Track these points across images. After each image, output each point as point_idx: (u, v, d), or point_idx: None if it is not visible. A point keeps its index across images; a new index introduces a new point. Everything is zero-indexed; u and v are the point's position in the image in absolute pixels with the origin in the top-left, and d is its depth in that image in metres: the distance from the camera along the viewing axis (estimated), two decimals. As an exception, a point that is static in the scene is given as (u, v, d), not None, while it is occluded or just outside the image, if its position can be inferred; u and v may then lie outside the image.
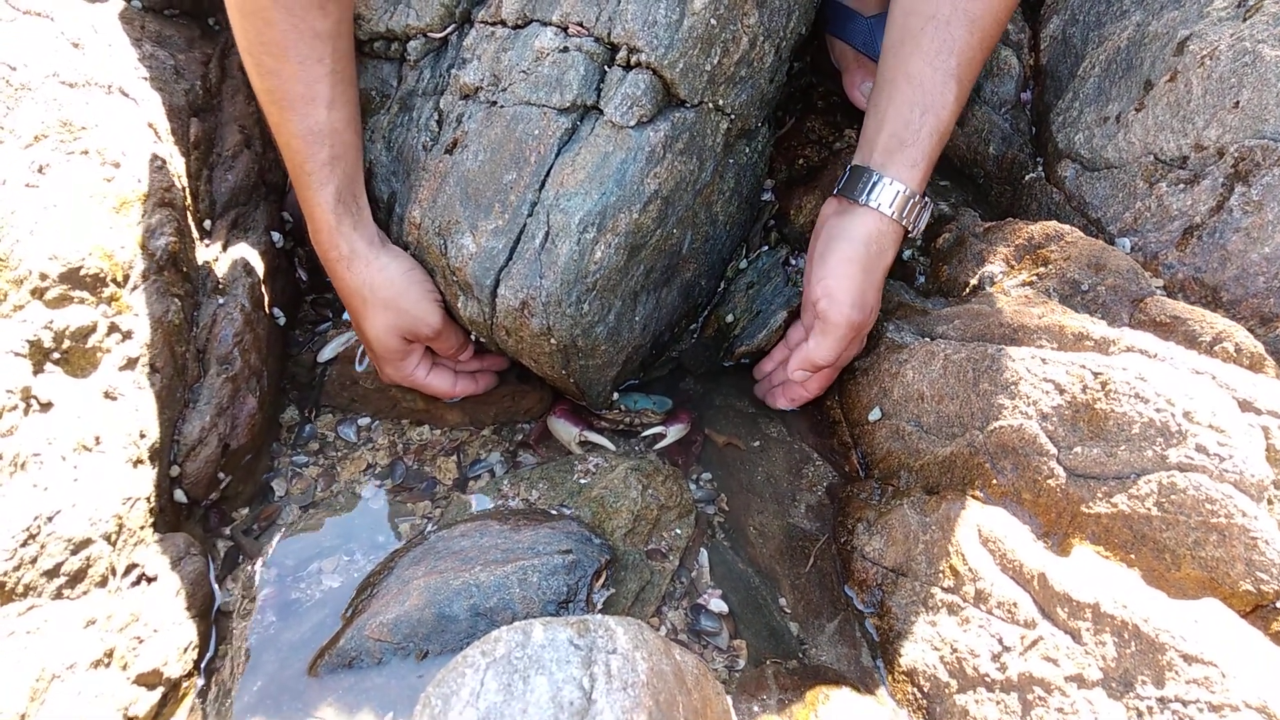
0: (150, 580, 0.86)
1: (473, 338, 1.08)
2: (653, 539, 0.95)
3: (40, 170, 0.92)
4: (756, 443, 1.08)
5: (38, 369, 0.85)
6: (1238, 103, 0.89)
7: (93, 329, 0.91)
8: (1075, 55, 1.11)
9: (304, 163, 0.95)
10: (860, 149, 1.01)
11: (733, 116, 1.05)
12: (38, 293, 0.86)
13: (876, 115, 0.99)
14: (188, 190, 1.08)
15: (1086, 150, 1.04)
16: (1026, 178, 1.12)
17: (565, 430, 1.10)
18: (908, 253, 1.14)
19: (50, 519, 0.75)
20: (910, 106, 0.96)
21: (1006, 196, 1.15)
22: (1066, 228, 1.00)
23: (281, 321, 1.17)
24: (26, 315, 0.85)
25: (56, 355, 0.87)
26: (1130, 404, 0.80)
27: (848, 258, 0.97)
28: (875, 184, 0.96)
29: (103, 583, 0.80)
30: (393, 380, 1.09)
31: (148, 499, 0.87)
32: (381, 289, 1.00)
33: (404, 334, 1.03)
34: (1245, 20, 0.89)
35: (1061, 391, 0.85)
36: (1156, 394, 0.79)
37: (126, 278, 0.96)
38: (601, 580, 0.89)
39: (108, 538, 0.81)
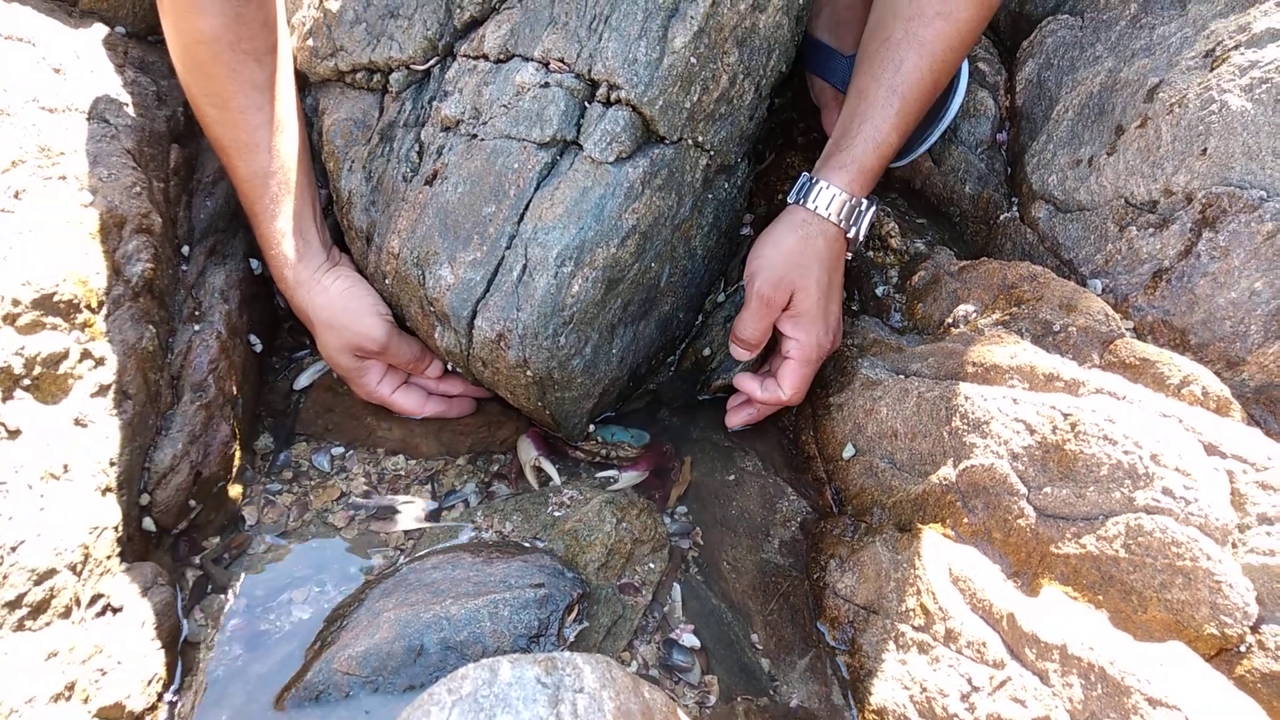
0: (116, 611, 0.85)
1: (448, 366, 1.08)
2: (626, 573, 0.95)
3: (16, 195, 0.91)
4: (732, 476, 1.08)
5: (7, 395, 0.84)
6: (1205, 150, 0.90)
7: (65, 355, 0.90)
8: (1049, 99, 1.13)
9: (253, 203, 1.04)
10: None
11: (712, 153, 1.06)
12: (9, 319, 0.86)
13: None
14: (166, 216, 1.07)
15: (1060, 192, 1.06)
16: (1001, 217, 1.13)
17: (526, 451, 1.11)
18: (882, 289, 1.15)
19: (14, 549, 0.74)
20: (852, 117, 1.02)
21: (982, 235, 1.16)
22: (1039, 269, 1.01)
23: (258, 349, 1.16)
24: (-3, 341, 0.84)
25: (27, 381, 0.86)
26: (1099, 445, 0.81)
27: (772, 240, 1.03)
28: (806, 187, 1.03)
29: (66, 614, 0.79)
30: (363, 398, 1.12)
31: (115, 528, 0.86)
32: (323, 309, 1.06)
33: (353, 350, 1.07)
34: (1212, 70, 0.91)
35: (1032, 432, 0.86)
36: (1125, 436, 0.80)
37: (101, 303, 0.95)
38: (573, 615, 0.89)
39: (73, 568, 0.80)
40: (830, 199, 1.01)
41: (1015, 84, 1.19)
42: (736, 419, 1.11)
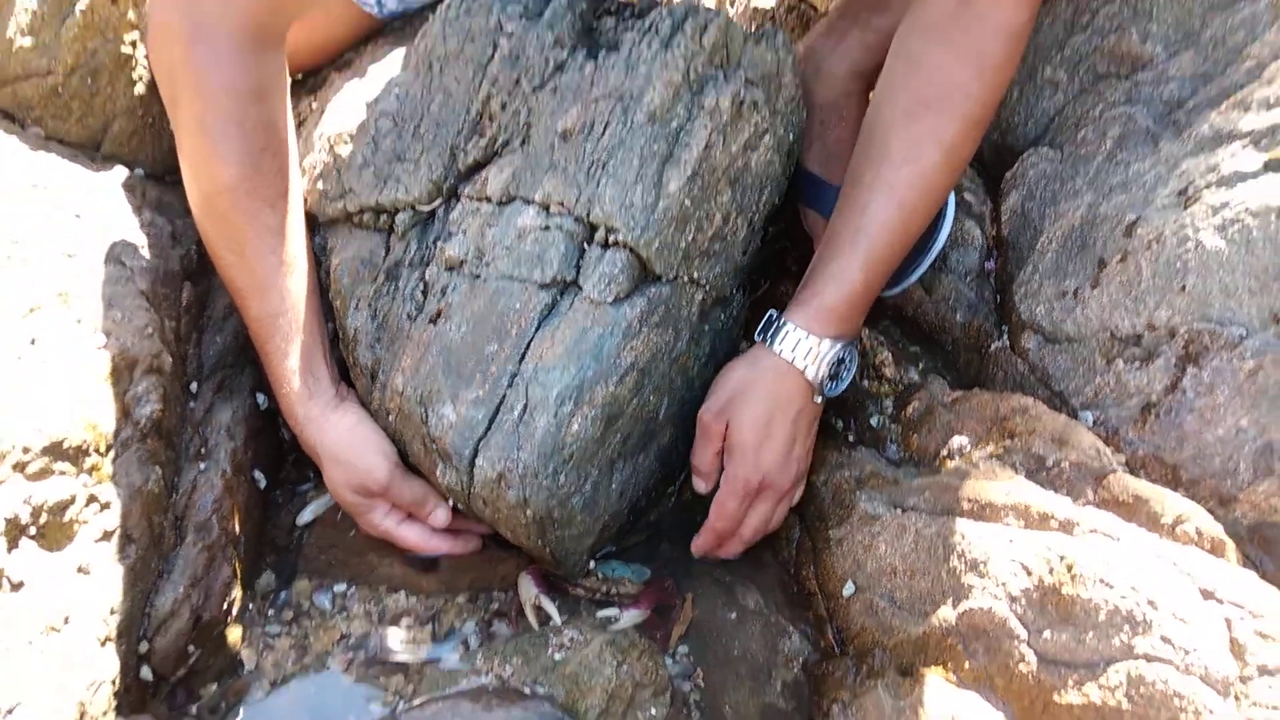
0: (111, 766, 0.84)
1: (450, 503, 1.09)
2: (627, 719, 0.94)
3: (33, 342, 0.94)
4: (733, 614, 1.08)
5: (12, 545, 0.85)
6: (1184, 287, 0.93)
7: (71, 501, 0.91)
8: (1034, 229, 1.16)
9: (264, 343, 1.06)
10: None
11: (707, 287, 1.09)
12: (19, 466, 0.87)
13: None
14: (176, 354, 1.10)
15: (1047, 323, 1.09)
16: (992, 347, 1.15)
17: (526, 589, 1.11)
18: (877, 419, 1.17)
19: (10, 712, 0.74)
20: (819, 258, 1.06)
21: (974, 364, 1.18)
22: (1031, 401, 1.02)
23: (262, 485, 1.17)
24: (6, 491, 0.85)
25: (33, 530, 0.87)
26: (1096, 589, 0.81)
27: (725, 371, 1.08)
28: (766, 323, 1.06)
29: (62, 773, 0.79)
30: (369, 532, 1.12)
31: (113, 681, 0.86)
32: (329, 446, 1.08)
33: (357, 489, 1.08)
34: (1186, 209, 0.95)
35: (1029, 573, 0.86)
36: (1121, 580, 0.81)
37: (109, 446, 0.97)
38: (573, 763, 0.88)
39: (69, 727, 0.80)
40: (784, 335, 1.03)
41: (1000, 214, 1.22)
42: (695, 543, 1.12)
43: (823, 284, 1.03)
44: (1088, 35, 1.17)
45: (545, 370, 0.97)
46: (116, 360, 0.99)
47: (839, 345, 1.04)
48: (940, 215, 1.21)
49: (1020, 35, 0.98)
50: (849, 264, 1.02)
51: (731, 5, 1.74)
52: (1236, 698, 0.71)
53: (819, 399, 1.06)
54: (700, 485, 1.10)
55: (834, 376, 1.06)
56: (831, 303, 1.03)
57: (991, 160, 1.30)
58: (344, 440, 1.07)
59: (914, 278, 1.23)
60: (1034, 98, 1.24)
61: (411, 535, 1.11)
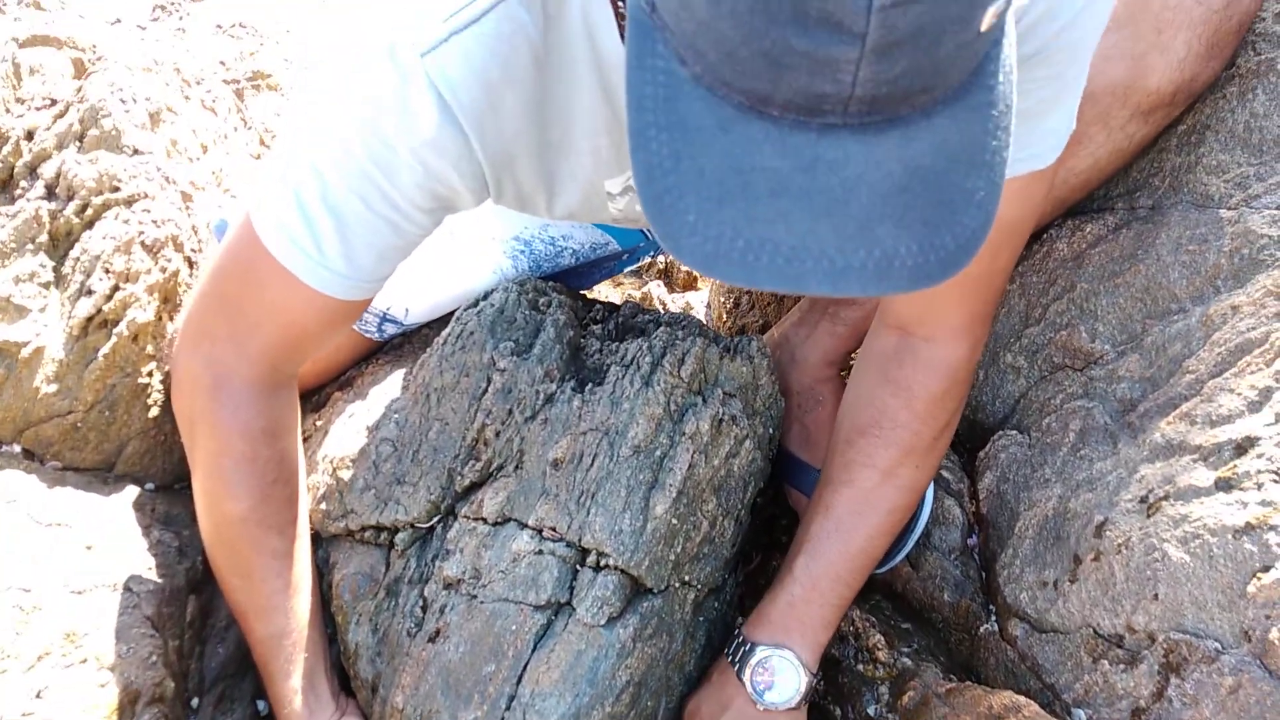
0: None
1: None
2: None
3: (39, 695, 0.96)
4: None
5: None
6: (1157, 595, 0.96)
7: None
8: (1011, 512, 1.21)
9: (267, 662, 1.09)
10: None
11: (699, 586, 1.12)
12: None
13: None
14: (178, 674, 1.12)
15: (1032, 611, 1.11)
16: (982, 629, 1.17)
17: None
18: (874, 709, 1.17)
19: None
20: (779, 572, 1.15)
21: (966, 646, 1.20)
22: (1024, 700, 1.03)
23: (261, 792, 1.16)
24: None
25: None
26: None
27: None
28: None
29: None
30: None
31: None
32: None
33: None
34: (1149, 517, 1.00)
35: None
36: None
37: (110, 786, 0.97)
38: None
39: None
40: (731, 641, 1.12)
41: (978, 492, 1.27)
42: None
43: (767, 592, 1.12)
44: (1041, 328, 1.25)
45: (542, 697, 0.99)
46: (120, 696, 1.01)
47: (768, 650, 1.08)
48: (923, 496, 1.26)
49: (957, 369, 1.07)
50: (788, 577, 1.11)
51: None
52: None
53: (761, 705, 1.08)
54: None
55: (772, 686, 1.08)
56: (765, 610, 1.11)
57: (966, 436, 1.36)
58: None
59: (900, 557, 1.27)
60: (998, 380, 1.31)
61: None
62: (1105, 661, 1.01)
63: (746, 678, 1.08)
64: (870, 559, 1.14)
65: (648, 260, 1.74)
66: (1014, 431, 1.27)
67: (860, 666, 1.21)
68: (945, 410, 1.11)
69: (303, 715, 1.09)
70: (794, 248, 0.58)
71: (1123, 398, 1.13)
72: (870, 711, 1.17)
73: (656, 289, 2.05)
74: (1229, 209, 1.19)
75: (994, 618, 1.18)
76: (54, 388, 1.11)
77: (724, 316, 1.81)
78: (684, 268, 2.10)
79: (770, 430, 1.22)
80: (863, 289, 0.59)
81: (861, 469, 1.11)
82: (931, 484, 1.27)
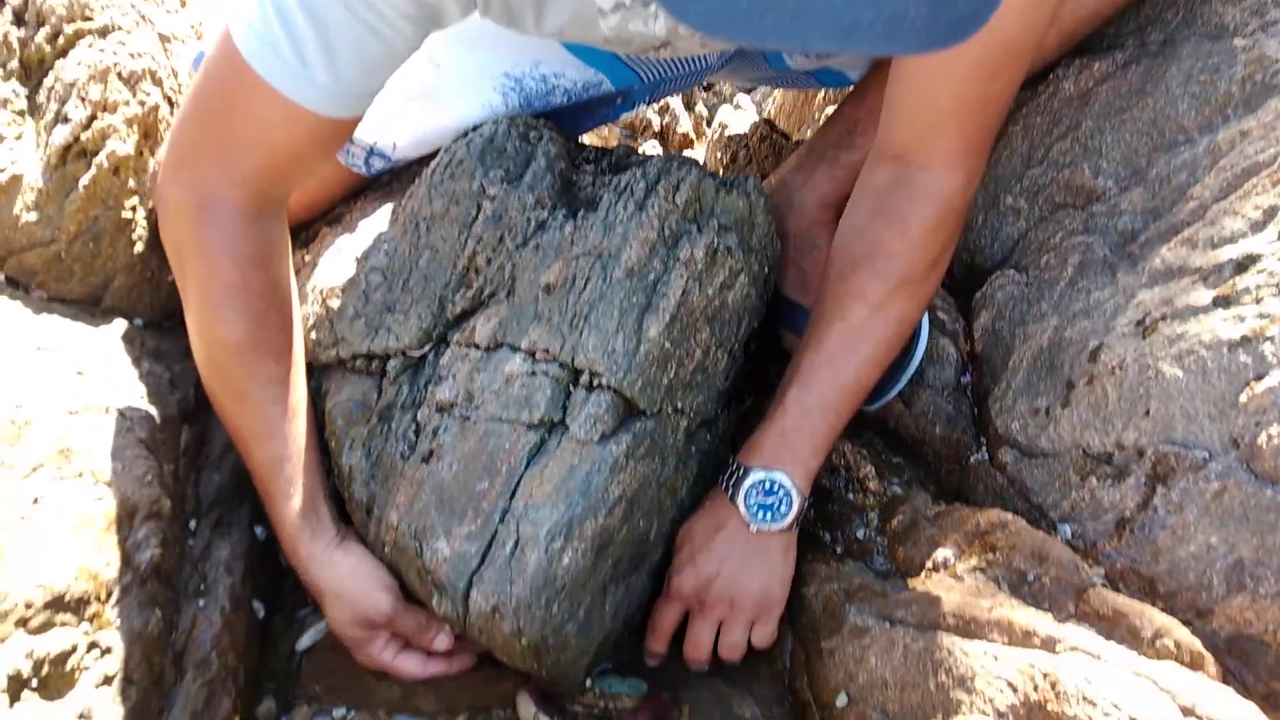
0: None
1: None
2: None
3: (35, 501, 0.97)
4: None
5: (14, 699, 0.86)
6: (1148, 411, 0.97)
7: (72, 650, 0.92)
8: (1005, 348, 1.21)
9: (267, 485, 1.10)
10: None
11: (692, 414, 1.13)
12: (21, 622, 0.89)
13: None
14: (175, 496, 1.13)
15: (1023, 438, 1.12)
16: (972, 459, 1.19)
17: (524, 708, 1.12)
18: (863, 532, 1.19)
19: None
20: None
21: (956, 475, 1.21)
22: (1009, 516, 1.05)
23: (261, 614, 1.19)
24: (9, 647, 0.87)
25: (35, 683, 0.89)
26: (1080, 707, 0.83)
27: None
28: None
29: None
30: (366, 665, 1.13)
31: (112, 840, 0.86)
32: (333, 583, 1.10)
33: (360, 623, 1.10)
34: (1145, 338, 0.99)
35: (1014, 690, 0.88)
36: (1103, 697, 0.83)
37: (110, 593, 0.99)
38: None
39: None
40: (724, 469, 1.14)
41: (973, 331, 1.27)
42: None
43: (760, 423, 1.14)
44: (1044, 168, 1.23)
45: (535, 508, 1.00)
46: (117, 509, 1.02)
47: (761, 474, 1.10)
48: (915, 333, 1.26)
49: (952, 197, 1.05)
50: (779, 408, 1.12)
51: (708, 128, 1.82)
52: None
53: (754, 526, 1.10)
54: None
55: (765, 507, 1.10)
56: (758, 439, 1.12)
57: (963, 279, 1.35)
58: (348, 578, 1.09)
59: (893, 393, 1.27)
60: (998, 223, 1.30)
61: (408, 666, 1.13)
62: (1093, 478, 1.02)
63: (739, 500, 1.10)
64: (861, 389, 1.14)
65: (642, 116, 1.71)
66: (1012, 271, 1.26)
67: (851, 495, 1.23)
68: (939, 241, 1.10)
69: (304, 536, 1.10)
70: (800, 3, 0.56)
71: (1124, 230, 1.12)
72: (859, 535, 1.19)
73: (652, 150, 2.01)
74: (1244, 37, 1.15)
75: (984, 448, 1.19)
76: (34, 215, 1.09)
77: (721, 174, 1.78)
78: (680, 128, 2.06)
79: (766, 269, 1.21)
80: (871, 46, 0.57)
81: (853, 302, 1.11)
82: (926, 322, 1.27)
